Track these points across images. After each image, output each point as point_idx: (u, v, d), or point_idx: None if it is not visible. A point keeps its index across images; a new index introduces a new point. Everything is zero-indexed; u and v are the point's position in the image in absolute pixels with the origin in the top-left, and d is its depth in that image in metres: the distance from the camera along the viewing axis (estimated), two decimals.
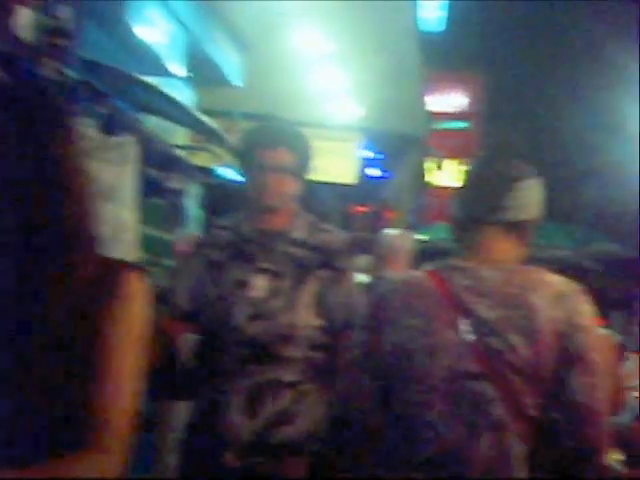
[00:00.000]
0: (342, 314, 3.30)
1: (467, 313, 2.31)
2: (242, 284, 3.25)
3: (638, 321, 8.04)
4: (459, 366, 2.29)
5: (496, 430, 2.26)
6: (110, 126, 4.33)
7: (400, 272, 5.32)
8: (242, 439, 3.18)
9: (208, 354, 3.30)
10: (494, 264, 2.37)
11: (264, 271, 3.26)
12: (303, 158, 3.36)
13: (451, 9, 19.88)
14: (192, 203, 6.79)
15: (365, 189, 15.89)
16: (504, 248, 2.41)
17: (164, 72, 7.04)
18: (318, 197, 12.70)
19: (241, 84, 8.71)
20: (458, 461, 2.27)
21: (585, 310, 2.32)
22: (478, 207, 2.42)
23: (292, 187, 3.33)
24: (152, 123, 6.63)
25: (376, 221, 16.96)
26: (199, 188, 7.12)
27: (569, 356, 2.26)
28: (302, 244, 3.31)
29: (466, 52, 23.78)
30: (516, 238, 2.42)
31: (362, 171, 13.71)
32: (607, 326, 6.08)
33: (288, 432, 3.21)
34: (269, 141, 3.31)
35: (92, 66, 5.14)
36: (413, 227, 15.54)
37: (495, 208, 2.39)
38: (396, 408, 2.39)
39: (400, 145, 14.90)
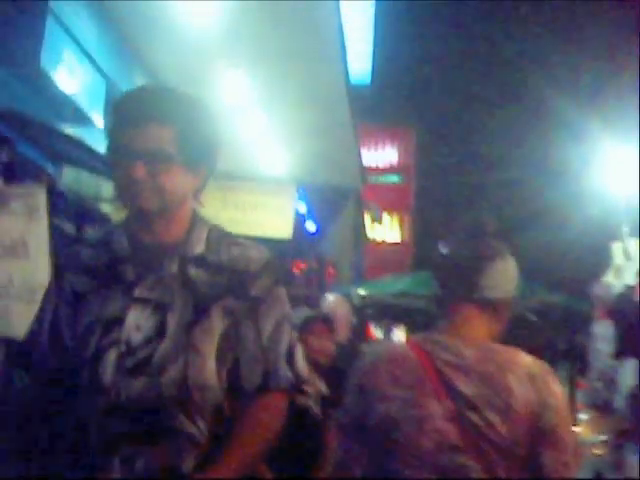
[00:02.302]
0: (258, 366, 2.33)
1: (449, 387, 2.40)
2: (113, 322, 2.26)
3: (588, 373, 7.82)
4: (443, 439, 2.36)
5: None
6: (12, 174, 3.90)
7: (383, 344, 5.58)
8: None
9: (69, 429, 2.28)
10: (472, 341, 2.48)
11: (144, 302, 2.27)
12: (192, 136, 2.29)
13: (380, 64, 19.98)
14: None
15: (302, 244, 15.61)
16: (481, 325, 2.52)
17: (84, 121, 6.72)
18: None
19: None
20: None
21: (555, 390, 2.44)
22: (455, 286, 2.53)
23: (177, 181, 2.28)
24: (73, 175, 6.30)
25: (317, 278, 16.67)
26: None
27: (541, 434, 2.37)
28: (201, 262, 2.33)
29: (397, 106, 23.92)
30: (492, 315, 2.54)
31: (298, 226, 13.43)
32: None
33: None
34: (135, 116, 2.26)
35: None
36: (354, 282, 15.31)
37: (471, 287, 2.50)
38: (384, 478, 2.43)
39: (335, 199, 14.70)
